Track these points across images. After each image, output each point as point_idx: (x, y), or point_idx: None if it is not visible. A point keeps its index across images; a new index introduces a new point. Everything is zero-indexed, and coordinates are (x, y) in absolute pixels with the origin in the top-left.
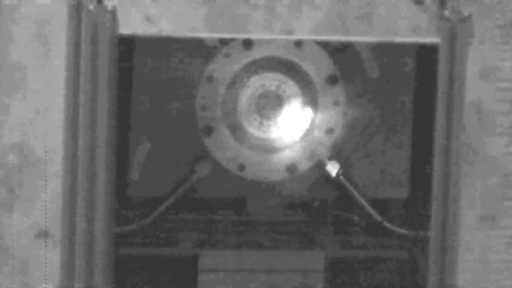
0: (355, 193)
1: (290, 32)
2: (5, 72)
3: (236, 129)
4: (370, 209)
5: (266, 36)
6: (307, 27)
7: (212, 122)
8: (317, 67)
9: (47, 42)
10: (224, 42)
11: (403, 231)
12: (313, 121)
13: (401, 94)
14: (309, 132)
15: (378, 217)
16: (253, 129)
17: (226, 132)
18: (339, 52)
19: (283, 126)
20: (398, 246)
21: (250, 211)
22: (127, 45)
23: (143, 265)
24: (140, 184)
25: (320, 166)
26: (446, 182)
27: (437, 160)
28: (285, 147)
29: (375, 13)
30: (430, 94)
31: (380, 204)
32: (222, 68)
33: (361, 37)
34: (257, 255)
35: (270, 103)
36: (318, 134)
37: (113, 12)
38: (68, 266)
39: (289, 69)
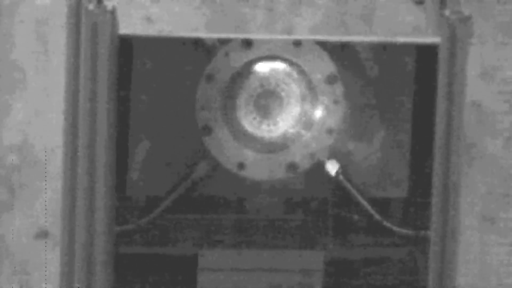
0: (355, 193)
1: (290, 32)
2: (5, 72)
3: (236, 129)
4: (369, 209)
5: (266, 36)
6: (307, 27)
7: (212, 122)
8: (316, 66)
9: (47, 42)
10: (223, 41)
11: (403, 230)
12: (312, 120)
13: (401, 94)
14: (309, 131)
15: (377, 217)
16: (253, 129)
17: (226, 132)
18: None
19: (283, 125)
20: (398, 246)
21: (250, 211)
22: (127, 45)
23: (143, 265)
24: (140, 184)
25: (319, 166)
26: (446, 182)
27: (437, 160)
28: (285, 147)
29: (375, 13)
30: (430, 94)
31: (380, 204)
32: (222, 68)
33: (361, 37)
34: (256, 254)
35: (269, 103)
36: (318, 133)
37: (113, 12)
38: (68, 266)
39: (289, 68)
